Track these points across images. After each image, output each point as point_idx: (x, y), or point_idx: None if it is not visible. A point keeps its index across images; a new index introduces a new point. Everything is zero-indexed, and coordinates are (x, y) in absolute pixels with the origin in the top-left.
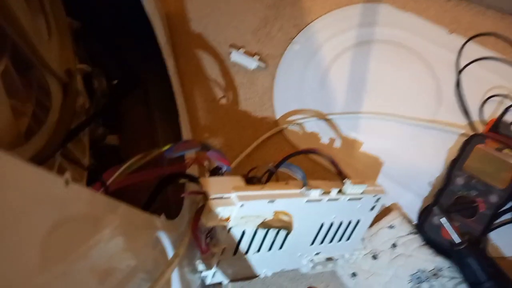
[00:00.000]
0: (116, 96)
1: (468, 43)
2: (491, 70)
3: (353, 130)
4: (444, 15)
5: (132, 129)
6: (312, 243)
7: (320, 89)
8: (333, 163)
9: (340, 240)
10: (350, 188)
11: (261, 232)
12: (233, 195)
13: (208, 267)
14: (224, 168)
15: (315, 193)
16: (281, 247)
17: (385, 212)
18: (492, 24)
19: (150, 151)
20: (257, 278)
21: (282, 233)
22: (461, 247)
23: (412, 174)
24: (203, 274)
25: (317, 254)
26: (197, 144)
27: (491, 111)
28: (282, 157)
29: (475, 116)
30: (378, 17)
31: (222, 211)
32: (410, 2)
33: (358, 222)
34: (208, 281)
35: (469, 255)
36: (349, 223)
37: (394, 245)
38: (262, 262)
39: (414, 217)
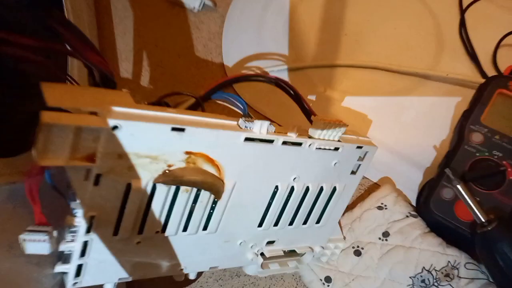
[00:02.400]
0: None
1: None
2: (501, 7)
3: (329, 86)
4: None
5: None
6: (261, 223)
7: (284, 35)
8: (295, 94)
9: (305, 221)
10: (321, 128)
11: (161, 192)
12: (99, 109)
13: (54, 247)
14: (100, 79)
15: (259, 128)
16: (206, 227)
17: (371, 189)
18: None
19: None
20: (168, 280)
21: (205, 197)
22: (488, 229)
23: (408, 138)
24: (59, 268)
25: (269, 243)
26: None
27: (506, 54)
28: (214, 83)
29: (485, 61)
30: None
31: (74, 136)
32: None
33: (333, 191)
34: (69, 283)
35: (500, 239)
36: (320, 191)
37: (386, 234)
38: (176, 252)
39: (412, 196)
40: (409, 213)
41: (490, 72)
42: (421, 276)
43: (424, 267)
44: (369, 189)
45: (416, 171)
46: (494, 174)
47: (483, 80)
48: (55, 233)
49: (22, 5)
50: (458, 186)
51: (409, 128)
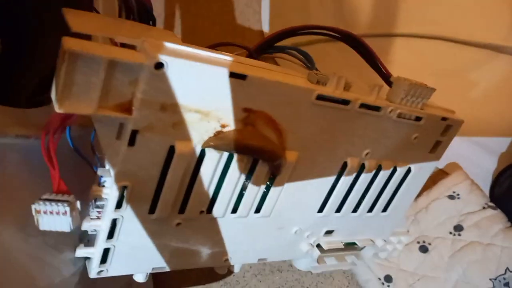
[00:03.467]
0: None
1: None
2: None
3: (386, 58)
4: None
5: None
6: (321, 208)
7: (333, 2)
8: (367, 51)
9: (371, 209)
10: (404, 93)
11: (211, 160)
12: (139, 41)
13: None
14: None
15: (335, 83)
16: (258, 209)
17: (436, 177)
18: None
19: None
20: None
21: (262, 171)
22: None
23: (478, 118)
24: (81, 252)
25: (328, 233)
26: None
27: None
28: (271, 34)
29: None
30: None
31: (107, 75)
32: None
33: (407, 172)
34: (93, 271)
35: None
36: (393, 170)
37: (458, 228)
38: (223, 239)
39: (484, 186)
40: (487, 204)
41: None
42: (504, 279)
43: (508, 268)
44: (433, 177)
45: (489, 156)
46: None
47: None
48: (78, 205)
49: None
50: None
51: (478, 107)
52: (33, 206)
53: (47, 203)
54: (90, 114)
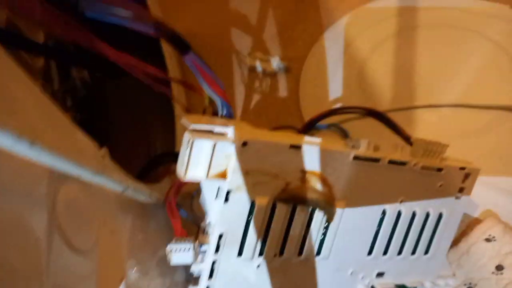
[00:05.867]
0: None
1: None
2: None
3: (411, 128)
4: None
5: (122, 137)
6: (370, 251)
7: (358, 86)
8: (388, 120)
9: (414, 251)
10: (423, 147)
11: (280, 210)
12: (230, 129)
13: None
14: (223, 111)
15: (366, 146)
16: (319, 251)
17: (473, 224)
18: None
19: None
20: None
21: (319, 218)
22: None
23: (503, 168)
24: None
25: (379, 275)
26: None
27: None
28: (315, 116)
29: None
30: (419, 1)
31: (212, 152)
32: None
33: (440, 217)
34: None
35: None
36: (426, 216)
37: (500, 268)
38: (290, 279)
39: None
40: None
41: None
42: None
43: None
44: (470, 224)
45: None
46: None
47: None
48: (196, 244)
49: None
50: None
51: (503, 159)
52: (168, 247)
53: (177, 243)
54: (203, 180)
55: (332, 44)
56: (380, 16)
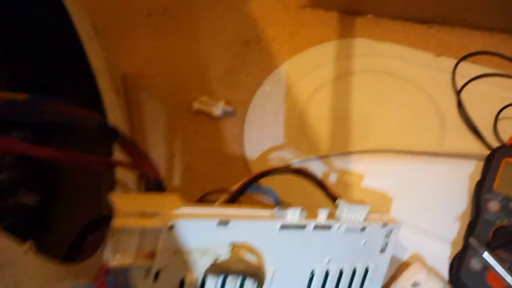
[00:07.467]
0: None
1: (461, 63)
2: (494, 85)
3: (346, 171)
4: (428, 40)
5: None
6: None
7: (298, 130)
8: (317, 181)
9: None
10: (347, 210)
11: (211, 283)
12: (159, 211)
13: None
14: (155, 186)
15: (293, 214)
16: None
17: (402, 268)
18: (482, 43)
19: None
20: None
21: (249, 285)
22: None
23: (429, 214)
24: None
25: None
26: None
27: (507, 125)
28: (245, 180)
29: (487, 134)
30: (355, 50)
31: (139, 237)
32: (388, 32)
33: (366, 271)
34: None
35: None
36: (353, 272)
37: None
38: None
39: (444, 270)
40: (444, 287)
41: (494, 143)
42: None
43: None
44: (400, 268)
45: (444, 244)
46: None
47: (488, 152)
48: None
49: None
50: (485, 255)
51: (429, 204)
52: None
53: None
54: (130, 264)
55: (275, 88)
56: (319, 62)
